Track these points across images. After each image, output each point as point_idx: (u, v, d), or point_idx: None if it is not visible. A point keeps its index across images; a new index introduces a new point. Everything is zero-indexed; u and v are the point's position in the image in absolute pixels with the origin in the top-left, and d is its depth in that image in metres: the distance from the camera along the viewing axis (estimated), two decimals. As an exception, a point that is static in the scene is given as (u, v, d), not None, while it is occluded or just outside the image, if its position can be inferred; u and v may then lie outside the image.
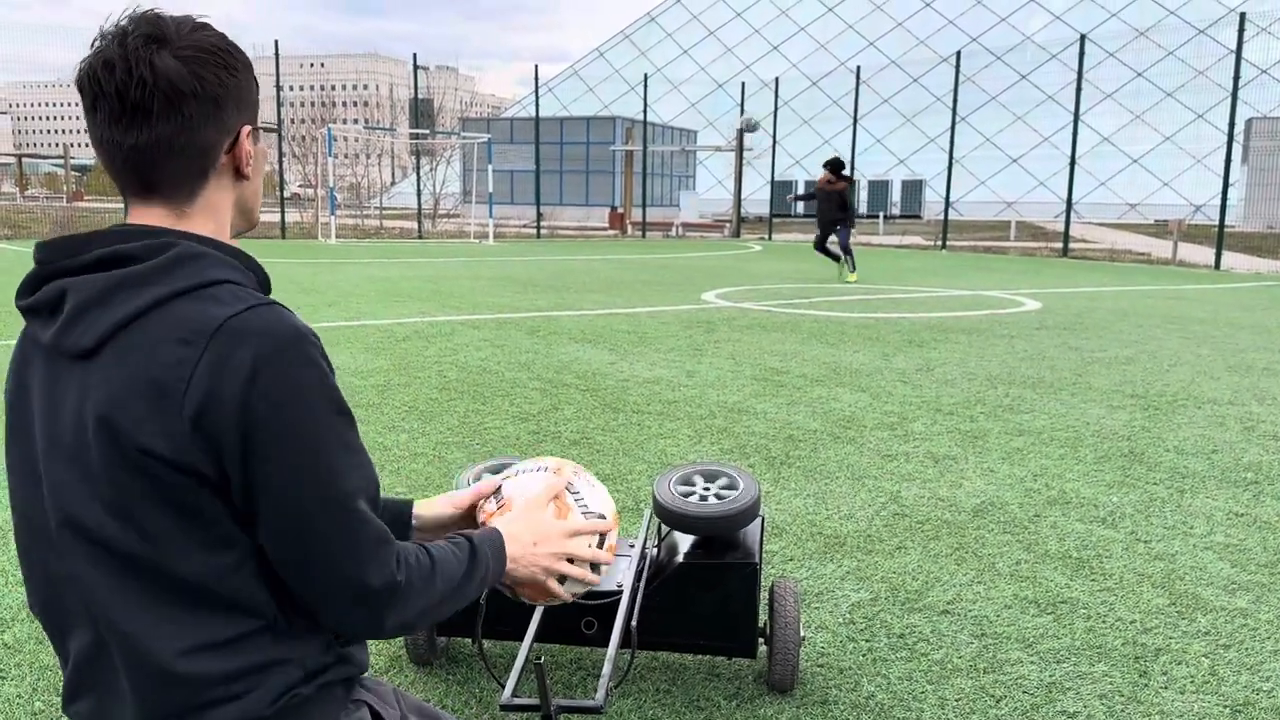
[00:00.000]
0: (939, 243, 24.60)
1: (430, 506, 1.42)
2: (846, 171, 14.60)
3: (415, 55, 26.88)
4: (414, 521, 1.40)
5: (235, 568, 1.07)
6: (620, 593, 2.08)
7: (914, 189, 43.30)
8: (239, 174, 1.16)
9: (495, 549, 1.28)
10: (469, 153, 33.90)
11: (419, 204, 27.03)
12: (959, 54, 25.11)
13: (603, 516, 1.41)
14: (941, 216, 25.76)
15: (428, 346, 7.30)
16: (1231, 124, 17.99)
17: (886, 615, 2.83)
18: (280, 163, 24.32)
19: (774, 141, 29.15)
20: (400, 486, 3.93)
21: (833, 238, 14.42)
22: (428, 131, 29.10)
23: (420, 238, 25.01)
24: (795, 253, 19.69)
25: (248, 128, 1.14)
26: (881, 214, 37.19)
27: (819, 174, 14.63)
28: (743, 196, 30.60)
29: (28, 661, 2.49)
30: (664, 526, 2.48)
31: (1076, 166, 21.59)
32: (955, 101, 23.93)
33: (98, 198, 58.16)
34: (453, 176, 36.78)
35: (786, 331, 8.49)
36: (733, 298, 11.34)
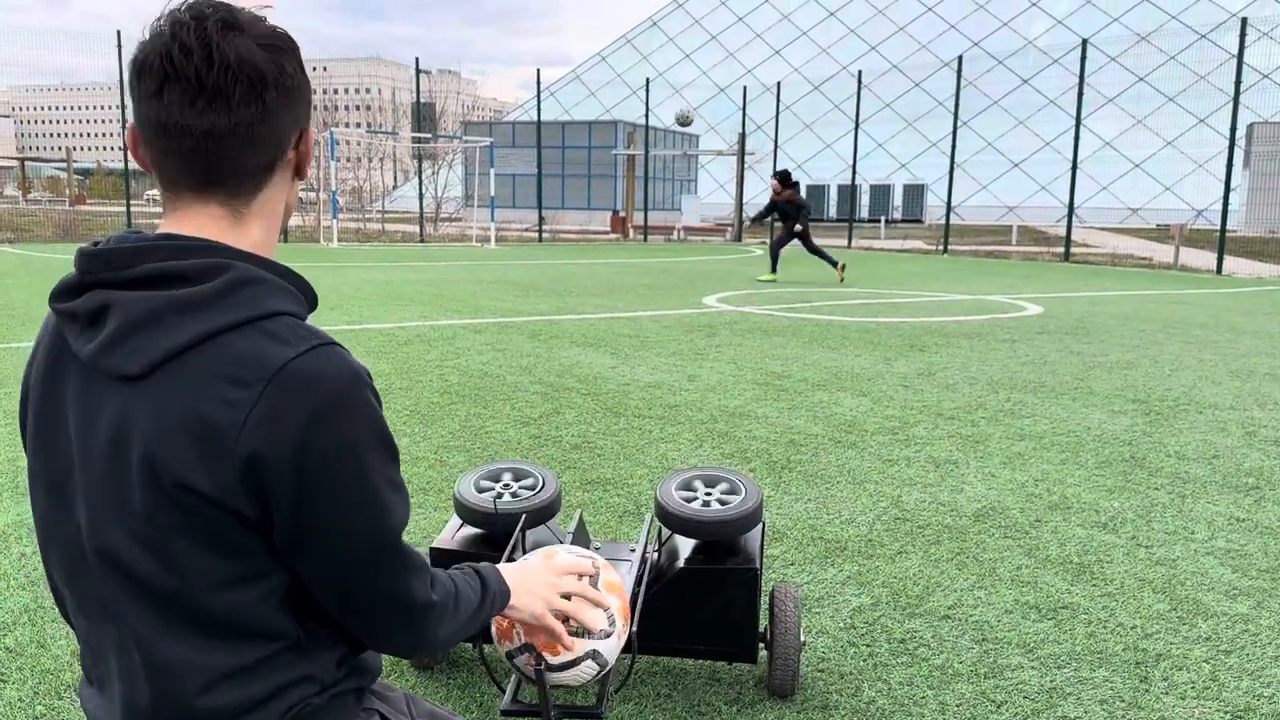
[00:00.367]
0: (940, 247, 24.60)
1: None
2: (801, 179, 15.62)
3: (418, 59, 26.97)
4: None
5: (264, 598, 1.07)
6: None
7: (915, 193, 43.31)
8: (299, 172, 1.14)
9: (497, 579, 1.32)
10: (471, 157, 33.93)
11: (421, 208, 27.07)
12: (961, 58, 25.14)
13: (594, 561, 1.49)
14: (943, 221, 25.77)
15: (429, 350, 7.30)
16: (1233, 129, 17.99)
17: (887, 620, 2.83)
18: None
19: (775, 146, 29.17)
20: (401, 490, 3.92)
21: (794, 243, 15.11)
22: (430, 135, 29.15)
23: (422, 241, 25.03)
24: (796, 257, 19.70)
25: (311, 127, 1.14)
26: (883, 218, 37.18)
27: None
28: (744, 200, 30.61)
29: (29, 665, 2.49)
30: (664, 531, 2.48)
31: (1078, 171, 21.60)
32: (957, 106, 23.95)
33: (100, 201, 58.24)
34: (454, 180, 36.86)
35: (788, 336, 8.49)
36: (734, 302, 11.35)
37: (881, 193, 42.51)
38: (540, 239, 26.89)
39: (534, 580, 1.37)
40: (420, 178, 28.59)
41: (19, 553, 3.22)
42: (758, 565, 2.32)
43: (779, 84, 31.10)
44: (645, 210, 29.59)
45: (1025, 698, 2.40)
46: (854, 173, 26.71)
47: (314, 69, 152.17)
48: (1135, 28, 48.15)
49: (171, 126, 1.02)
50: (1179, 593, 3.06)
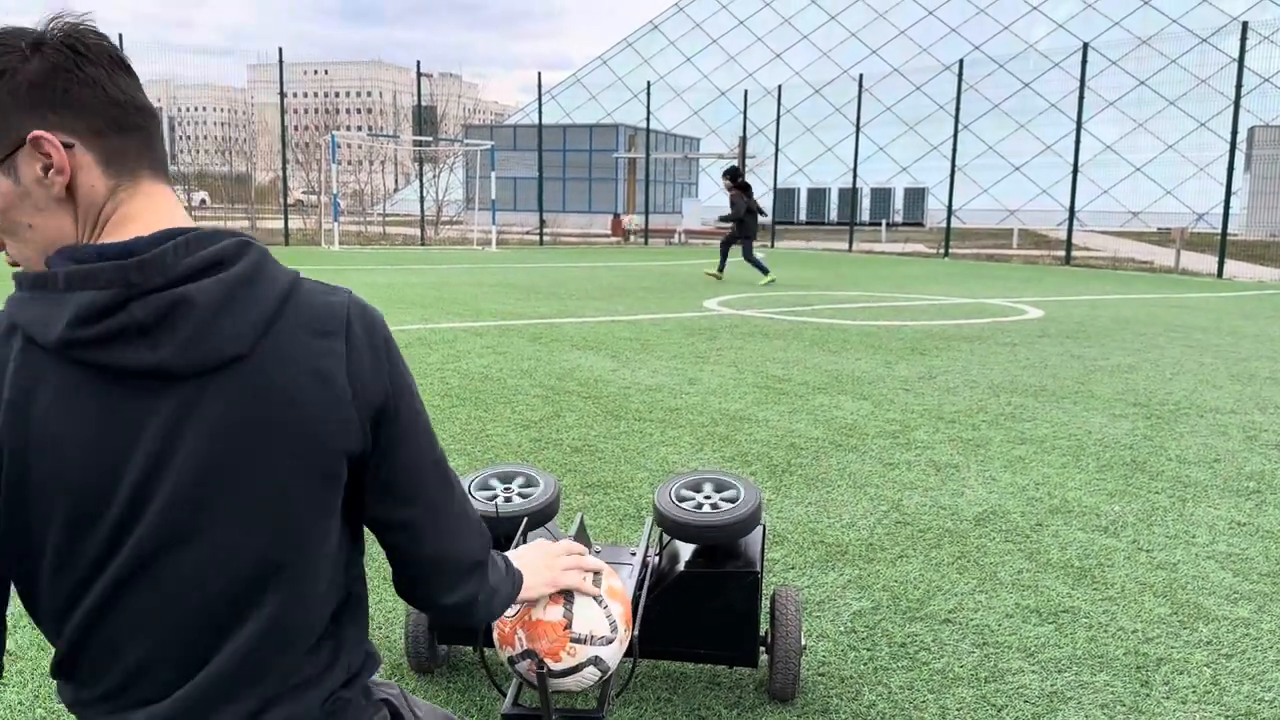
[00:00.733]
0: (941, 250, 24.61)
1: None
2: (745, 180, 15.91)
3: (419, 63, 26.98)
4: None
5: (341, 565, 1.11)
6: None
7: (916, 197, 43.32)
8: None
9: (508, 562, 1.34)
10: (472, 160, 33.97)
11: (422, 211, 27.09)
12: (961, 62, 25.16)
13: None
14: (944, 224, 25.77)
15: (430, 353, 7.31)
16: (1234, 132, 17.99)
17: (888, 624, 2.83)
18: (284, 170, 24.36)
19: (776, 149, 29.18)
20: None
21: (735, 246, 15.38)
22: (431, 139, 29.16)
23: (423, 244, 25.04)
24: (797, 260, 19.69)
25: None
26: (884, 221, 37.18)
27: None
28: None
29: (30, 668, 2.49)
30: (665, 535, 2.48)
31: (1079, 174, 21.59)
32: (958, 109, 23.96)
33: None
34: (456, 183, 36.89)
35: (788, 339, 8.49)
36: (735, 305, 11.35)
37: (882, 196, 42.52)
38: (541, 242, 26.90)
39: (535, 561, 1.44)
40: (421, 181, 28.62)
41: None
42: (758, 569, 2.31)
43: (780, 87, 31.13)
44: (646, 213, 29.61)
45: (1026, 702, 2.40)
46: (855, 176, 26.71)
47: (315, 72, 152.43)
48: (1136, 31, 48.18)
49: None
50: (1180, 597, 3.06)
